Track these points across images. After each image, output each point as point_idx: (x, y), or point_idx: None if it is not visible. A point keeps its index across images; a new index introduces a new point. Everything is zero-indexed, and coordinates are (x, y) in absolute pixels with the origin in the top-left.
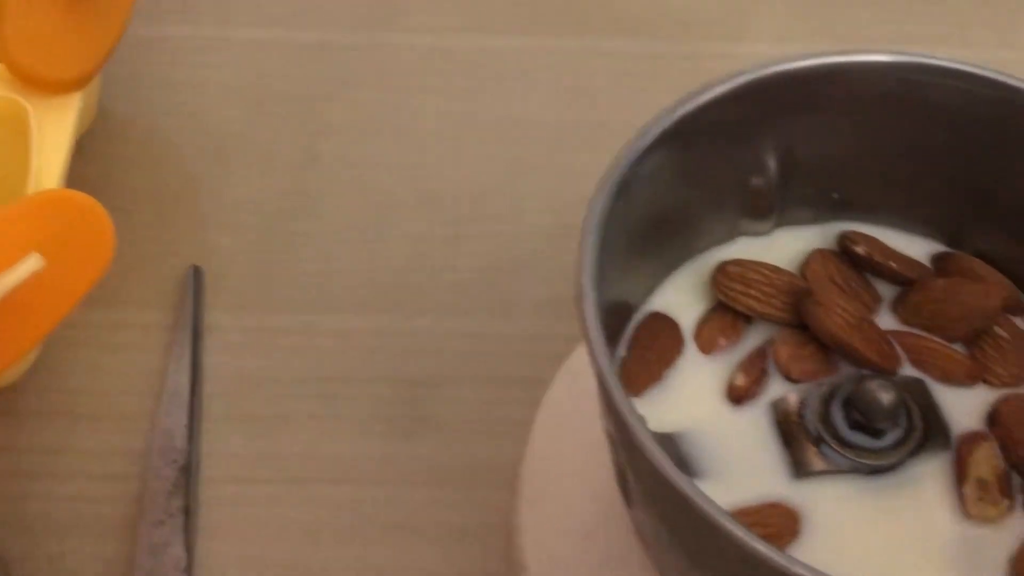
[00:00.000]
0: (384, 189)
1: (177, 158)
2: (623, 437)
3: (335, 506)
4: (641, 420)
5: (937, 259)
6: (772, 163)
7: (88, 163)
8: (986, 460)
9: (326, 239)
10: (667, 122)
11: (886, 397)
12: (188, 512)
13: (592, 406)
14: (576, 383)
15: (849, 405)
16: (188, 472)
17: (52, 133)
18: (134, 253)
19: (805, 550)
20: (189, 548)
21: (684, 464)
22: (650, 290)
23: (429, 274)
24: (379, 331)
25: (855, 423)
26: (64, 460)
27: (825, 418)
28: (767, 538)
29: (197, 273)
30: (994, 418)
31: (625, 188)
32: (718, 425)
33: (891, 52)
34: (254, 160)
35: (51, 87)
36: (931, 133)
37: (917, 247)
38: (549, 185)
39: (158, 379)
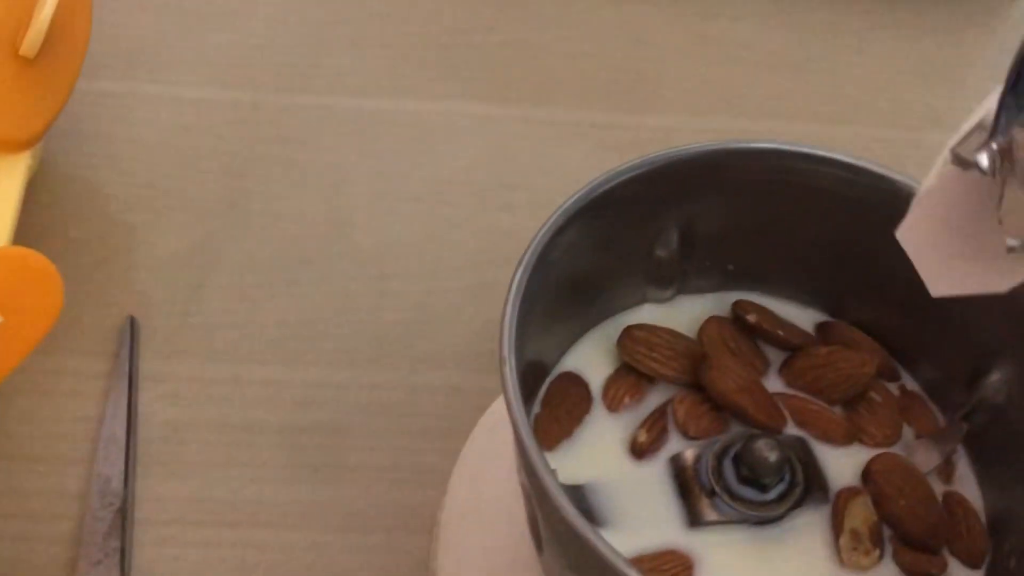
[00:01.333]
0: (310, 244)
1: (114, 210)
2: (536, 488)
3: (262, 549)
4: (552, 473)
5: (820, 327)
6: (675, 237)
7: (28, 214)
8: (860, 513)
9: (254, 291)
10: (584, 199)
11: (772, 455)
12: (124, 553)
13: (508, 457)
14: (493, 435)
15: (739, 461)
16: (124, 514)
17: (2, 191)
18: (72, 303)
19: None
20: None
21: (591, 513)
22: (564, 351)
23: (354, 327)
24: (305, 382)
25: (744, 478)
26: (3, 501)
27: (718, 472)
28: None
29: (133, 323)
30: (867, 475)
31: (543, 261)
32: (622, 478)
33: (771, 141)
34: (186, 213)
35: (1, 146)
36: (811, 214)
37: (803, 316)
38: (471, 244)
39: (95, 424)
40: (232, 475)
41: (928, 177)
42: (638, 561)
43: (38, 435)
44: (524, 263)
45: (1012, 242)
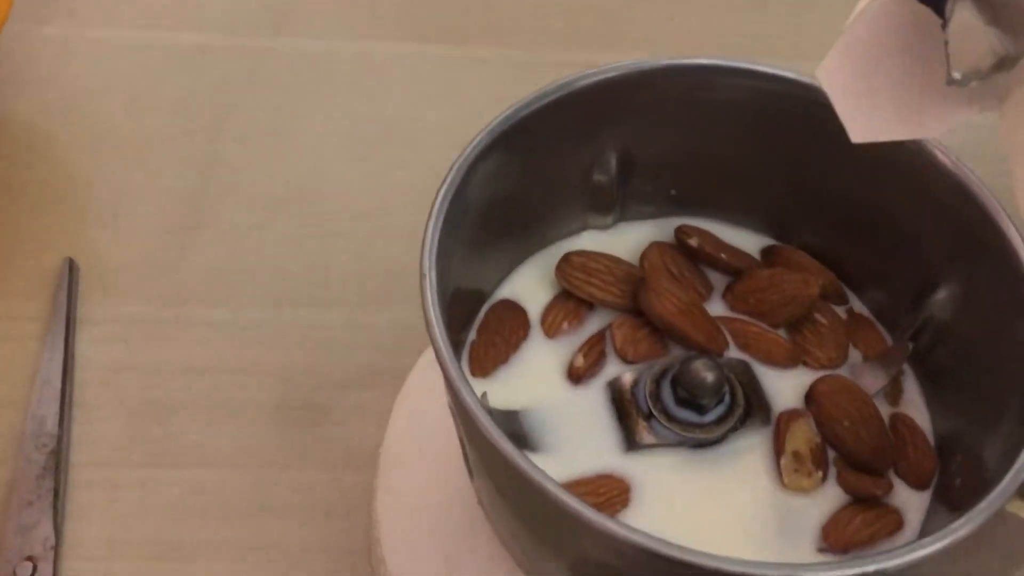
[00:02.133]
0: (259, 187)
1: (56, 155)
2: (457, 406)
3: (201, 489)
4: (471, 389)
5: (765, 252)
6: (613, 161)
7: None
8: (802, 435)
9: (199, 234)
10: (505, 124)
11: (709, 376)
12: (57, 494)
13: (444, 394)
14: (431, 373)
15: (676, 383)
16: (58, 456)
17: None
18: (9, 246)
19: (634, 516)
20: (57, 528)
21: (526, 438)
22: (502, 279)
23: (299, 267)
24: (248, 322)
25: (681, 400)
26: None
27: (655, 395)
28: (598, 506)
29: (72, 265)
30: (811, 396)
31: (466, 184)
32: (559, 403)
33: (698, 57)
34: (131, 157)
35: None
36: (751, 134)
37: (748, 240)
38: (419, 184)
39: (32, 368)
40: (170, 417)
41: (856, 8)
42: (573, 486)
43: None
44: (447, 182)
45: (956, 74)
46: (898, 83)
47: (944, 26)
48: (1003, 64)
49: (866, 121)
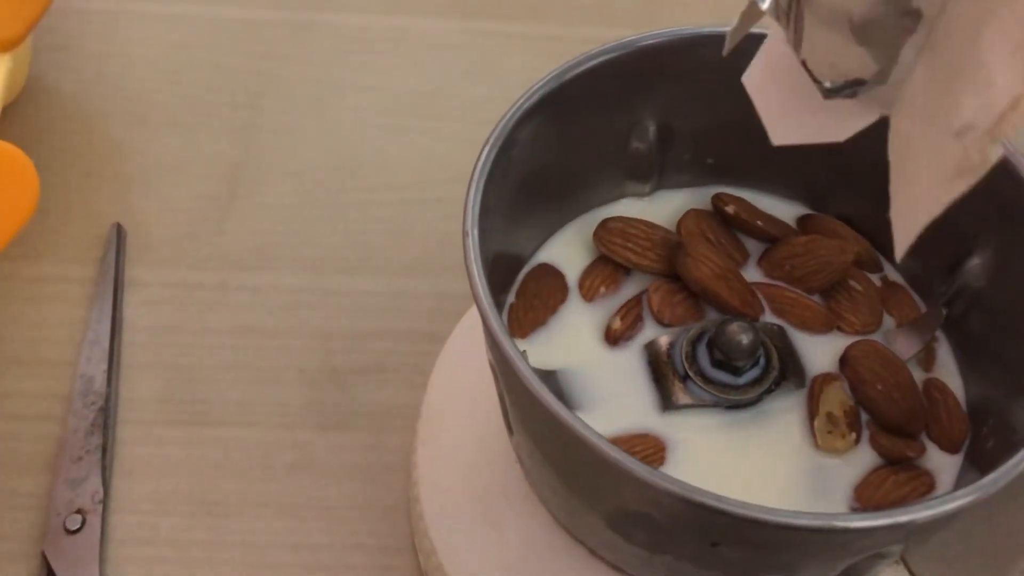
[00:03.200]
0: (297, 156)
1: (103, 124)
2: (499, 360)
3: (243, 447)
4: (514, 346)
5: (801, 220)
6: (651, 130)
7: (17, 126)
8: (836, 397)
9: (240, 202)
10: (547, 88)
11: (745, 338)
12: (105, 450)
13: (484, 352)
14: (471, 336)
15: (712, 345)
16: (106, 413)
17: None
18: (59, 211)
19: (668, 473)
20: (105, 483)
21: (563, 398)
22: (540, 244)
23: (340, 236)
24: (290, 288)
25: (717, 362)
26: None
27: (691, 357)
28: None
29: (119, 230)
30: (844, 360)
31: (509, 147)
32: (596, 364)
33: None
34: (175, 127)
35: None
36: None
37: (784, 209)
38: (456, 156)
39: (80, 329)
40: (215, 377)
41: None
42: (610, 443)
43: (23, 339)
44: (490, 143)
45: (827, 83)
46: (804, 93)
47: (798, 46)
48: (875, 78)
49: (782, 126)
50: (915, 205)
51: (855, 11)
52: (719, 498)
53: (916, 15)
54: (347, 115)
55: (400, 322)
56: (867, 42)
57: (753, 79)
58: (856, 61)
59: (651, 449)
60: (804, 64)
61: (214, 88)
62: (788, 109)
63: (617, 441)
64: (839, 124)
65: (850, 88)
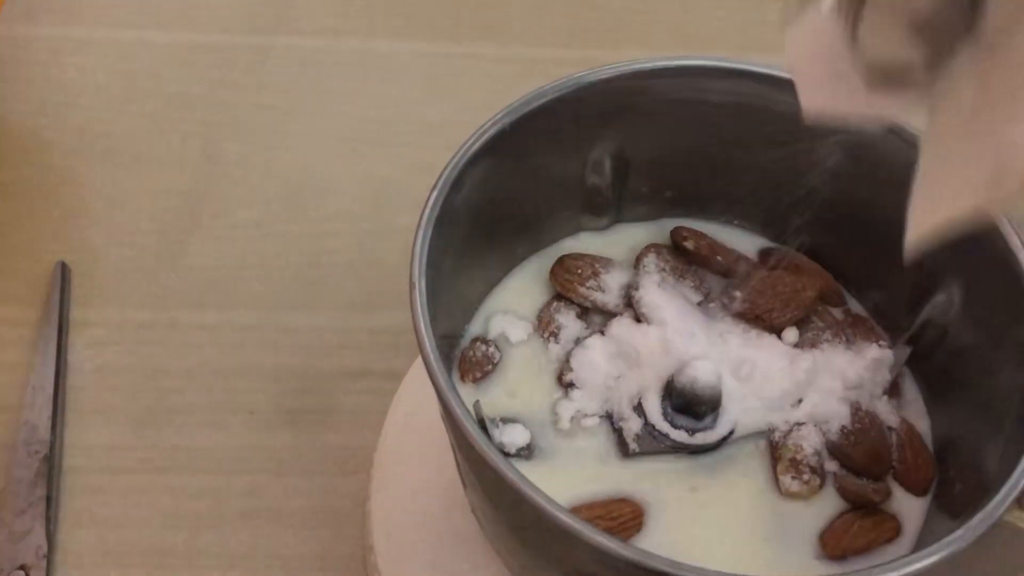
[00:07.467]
0: (253, 187)
1: (48, 156)
2: (447, 417)
3: (194, 495)
4: (461, 402)
5: (763, 253)
6: (607, 163)
7: None
8: (800, 440)
9: (192, 236)
10: (496, 128)
11: (707, 387)
12: (49, 501)
13: None
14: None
15: (672, 391)
16: (51, 462)
17: None
18: (2, 249)
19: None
20: (50, 536)
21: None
22: (497, 282)
23: (293, 270)
24: (242, 325)
25: (677, 407)
26: None
27: (652, 403)
28: (610, 529)
29: (64, 269)
30: None
31: (458, 188)
32: (553, 409)
33: (689, 58)
34: (123, 158)
35: None
36: (747, 136)
37: (745, 242)
38: (414, 184)
39: (24, 373)
40: (164, 421)
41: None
42: (583, 509)
43: None
44: (435, 192)
45: (874, 72)
46: (842, 69)
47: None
48: (921, 76)
49: (817, 94)
50: (939, 202)
51: (922, 8)
52: (674, 564)
53: (978, 24)
54: (302, 143)
55: (355, 360)
56: (924, 41)
57: (795, 41)
58: (907, 56)
59: (629, 510)
60: (855, 46)
61: (163, 117)
62: (824, 79)
63: (595, 506)
64: (871, 110)
65: (894, 81)
